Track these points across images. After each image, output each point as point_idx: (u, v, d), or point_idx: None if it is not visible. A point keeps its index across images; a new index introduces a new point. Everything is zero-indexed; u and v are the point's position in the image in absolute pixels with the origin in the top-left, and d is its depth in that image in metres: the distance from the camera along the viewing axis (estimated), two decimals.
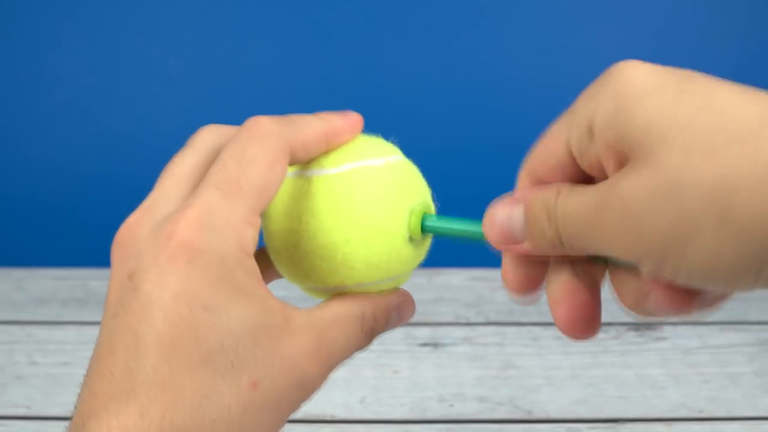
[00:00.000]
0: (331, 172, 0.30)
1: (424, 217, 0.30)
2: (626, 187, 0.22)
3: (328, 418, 0.57)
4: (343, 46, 0.74)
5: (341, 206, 0.29)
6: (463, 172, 0.76)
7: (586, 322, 0.27)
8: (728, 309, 0.74)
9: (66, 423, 0.26)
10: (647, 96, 0.23)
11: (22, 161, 0.78)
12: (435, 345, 0.67)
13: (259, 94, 0.75)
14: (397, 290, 0.32)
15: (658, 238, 0.22)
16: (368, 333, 0.30)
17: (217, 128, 0.30)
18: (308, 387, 0.27)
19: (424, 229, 0.30)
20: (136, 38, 0.74)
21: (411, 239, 0.30)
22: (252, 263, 0.27)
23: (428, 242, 0.32)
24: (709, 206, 0.21)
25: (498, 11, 0.73)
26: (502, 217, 0.27)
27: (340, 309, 0.29)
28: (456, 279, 0.77)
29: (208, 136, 0.30)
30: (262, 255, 0.31)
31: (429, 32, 0.73)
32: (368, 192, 0.29)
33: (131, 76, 0.75)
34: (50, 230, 0.80)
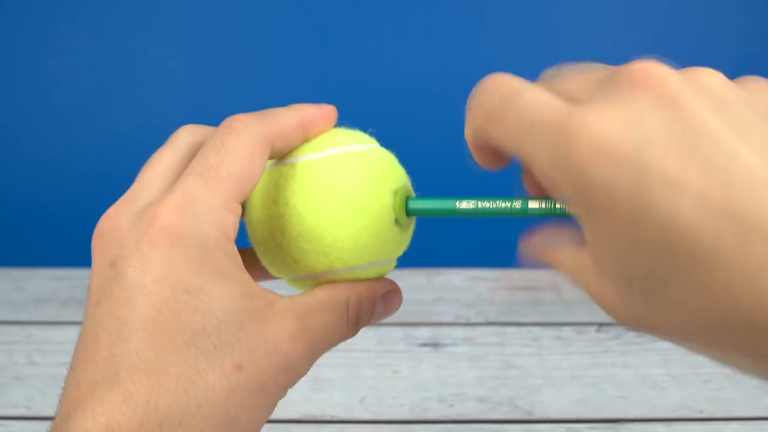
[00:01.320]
0: (314, 156, 0.30)
1: (408, 199, 0.31)
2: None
3: (328, 418, 0.57)
4: (343, 46, 0.74)
5: (327, 187, 0.29)
6: (463, 173, 0.76)
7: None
8: None
9: None
10: (599, 177, 0.21)
11: (22, 161, 0.78)
12: (435, 345, 0.67)
13: (259, 94, 0.75)
14: (383, 279, 0.32)
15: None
16: (353, 320, 0.30)
17: (196, 127, 0.31)
18: (293, 370, 0.27)
19: (409, 210, 0.31)
20: (136, 39, 0.74)
21: (396, 221, 0.30)
22: (233, 248, 0.27)
23: (412, 227, 0.32)
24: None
25: (498, 12, 0.73)
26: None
27: (324, 295, 0.29)
28: (456, 279, 0.77)
29: (187, 134, 0.31)
30: (248, 254, 0.31)
31: (429, 33, 0.73)
32: (352, 173, 0.30)
33: (131, 77, 0.75)
34: (50, 230, 0.80)
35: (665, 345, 0.67)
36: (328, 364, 0.63)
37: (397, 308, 0.32)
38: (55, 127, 0.77)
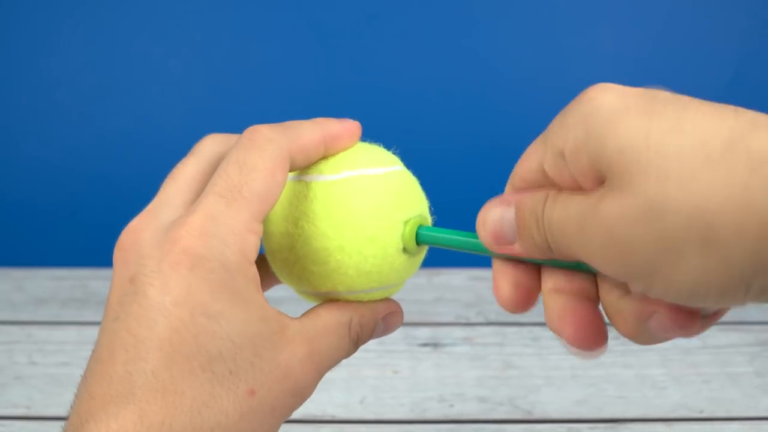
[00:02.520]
0: (330, 178, 0.30)
1: (419, 229, 0.30)
2: (606, 212, 0.23)
3: (328, 418, 0.57)
4: (343, 46, 0.74)
5: (337, 213, 0.29)
6: (462, 173, 0.76)
7: (595, 334, 0.27)
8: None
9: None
10: (618, 119, 0.22)
11: (22, 161, 0.78)
12: (435, 345, 0.67)
13: (259, 94, 0.75)
14: (386, 300, 0.32)
15: (642, 261, 0.22)
16: (354, 341, 0.30)
17: (219, 136, 0.31)
18: (302, 393, 0.28)
19: (419, 240, 0.30)
20: (136, 39, 0.74)
21: (405, 250, 0.30)
22: (253, 271, 0.27)
23: (423, 254, 0.32)
24: (690, 230, 0.21)
25: (498, 12, 0.73)
26: (494, 218, 0.27)
27: (329, 317, 0.29)
28: (456, 279, 0.77)
29: (210, 144, 0.30)
30: (261, 260, 0.31)
31: (428, 33, 0.73)
32: (364, 201, 0.29)
33: (131, 77, 0.75)
34: (50, 230, 0.80)
35: (665, 345, 0.67)
36: None
37: (397, 327, 0.33)
38: (54, 127, 0.77)
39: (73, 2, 0.72)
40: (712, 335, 0.67)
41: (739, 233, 0.20)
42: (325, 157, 0.30)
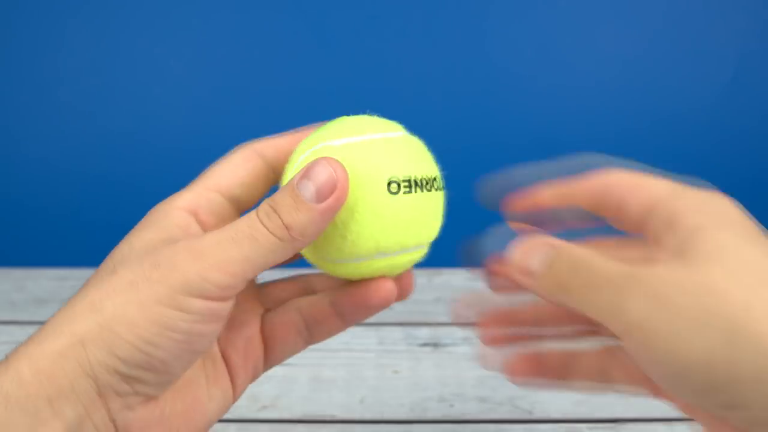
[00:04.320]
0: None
1: None
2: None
3: (328, 418, 0.57)
4: (343, 46, 0.74)
5: None
6: (463, 172, 0.76)
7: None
8: None
9: None
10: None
11: (22, 161, 0.79)
12: (435, 345, 0.67)
13: (260, 95, 0.75)
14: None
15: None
16: (267, 214, 0.30)
17: None
18: (198, 287, 0.29)
19: None
20: (137, 39, 0.74)
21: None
22: (179, 214, 0.32)
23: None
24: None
25: (497, 12, 0.73)
26: (528, 249, 0.31)
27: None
28: (456, 279, 0.77)
29: None
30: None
31: (429, 32, 0.73)
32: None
33: (132, 77, 0.75)
34: (50, 230, 0.80)
35: None
36: (328, 364, 0.63)
37: (326, 176, 0.30)
38: (55, 127, 0.77)
39: (75, 2, 0.72)
40: None
41: None
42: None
